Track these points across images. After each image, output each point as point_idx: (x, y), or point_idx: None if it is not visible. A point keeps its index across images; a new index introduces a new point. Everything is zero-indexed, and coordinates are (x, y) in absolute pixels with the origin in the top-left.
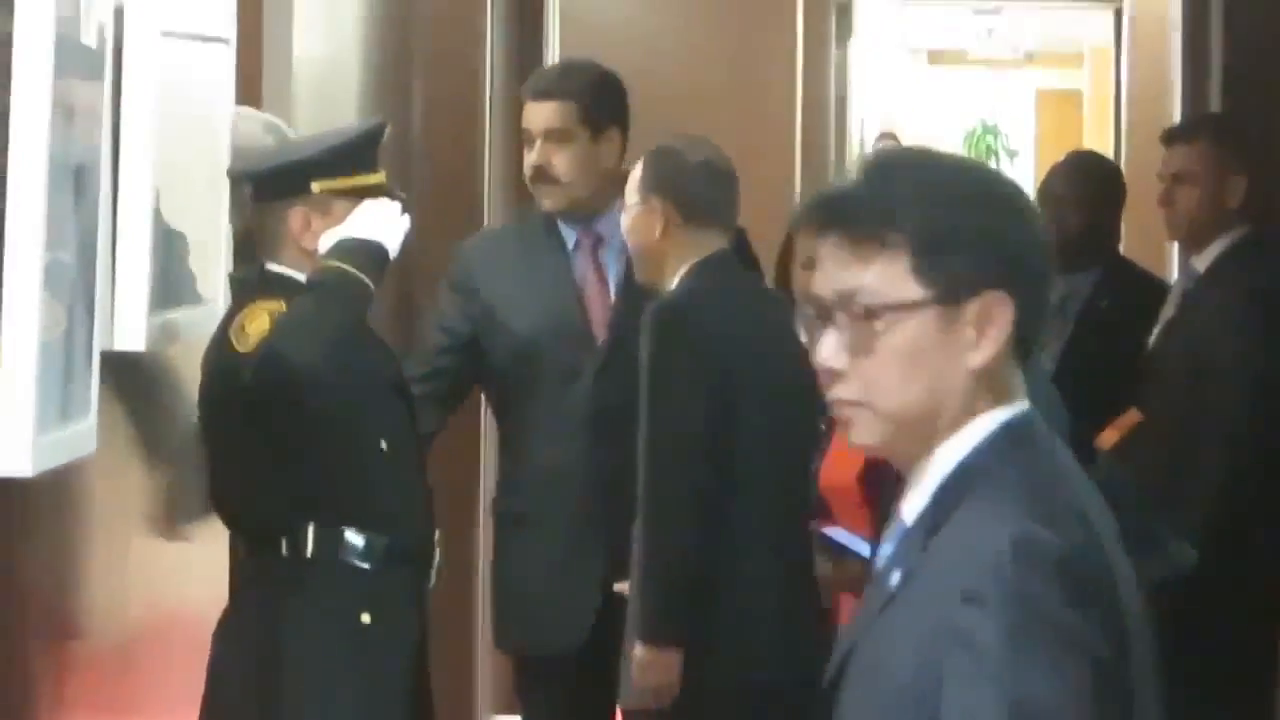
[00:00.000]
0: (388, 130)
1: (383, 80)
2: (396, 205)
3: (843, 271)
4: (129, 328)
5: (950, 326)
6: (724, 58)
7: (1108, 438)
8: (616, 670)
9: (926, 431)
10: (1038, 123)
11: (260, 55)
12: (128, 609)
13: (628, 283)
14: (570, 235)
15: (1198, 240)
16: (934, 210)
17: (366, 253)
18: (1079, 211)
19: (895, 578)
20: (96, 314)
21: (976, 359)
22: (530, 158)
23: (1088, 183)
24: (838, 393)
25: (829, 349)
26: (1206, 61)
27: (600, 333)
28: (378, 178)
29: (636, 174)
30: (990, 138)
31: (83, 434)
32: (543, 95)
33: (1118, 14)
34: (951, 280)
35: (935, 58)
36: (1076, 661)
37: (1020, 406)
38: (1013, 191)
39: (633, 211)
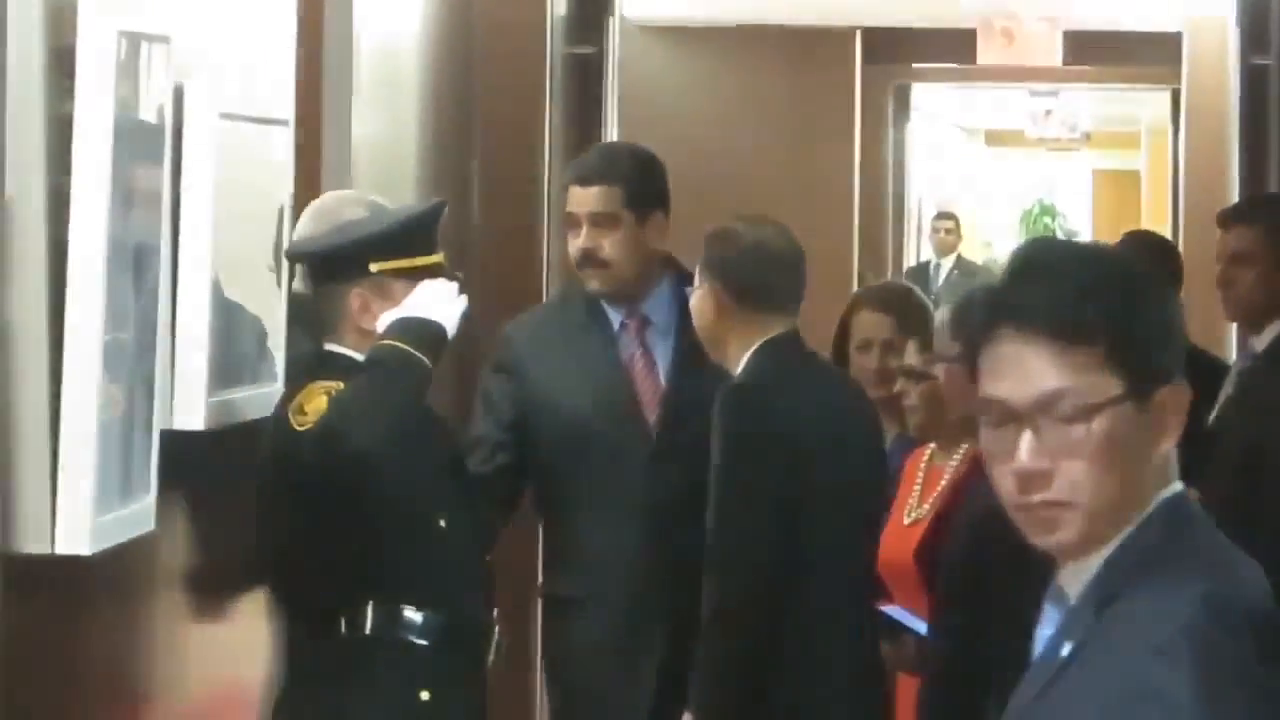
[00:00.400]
0: (446, 211)
1: (442, 160)
2: (454, 285)
3: (1042, 374)
4: (188, 407)
5: (1142, 418)
6: (782, 136)
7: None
8: None
9: (1119, 520)
10: (1095, 203)
11: (320, 136)
12: (185, 687)
13: (678, 363)
14: (615, 317)
15: (1255, 321)
16: (1124, 305)
17: (424, 332)
18: None
19: (1065, 649)
20: (156, 393)
21: (1164, 445)
22: (577, 242)
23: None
24: (1043, 495)
25: (1032, 454)
26: (1264, 142)
27: (650, 414)
28: (436, 258)
29: (702, 255)
30: (1048, 218)
31: (142, 513)
32: (588, 180)
33: (1175, 95)
34: (1144, 373)
35: (993, 138)
36: (1268, 714)
37: (1176, 484)
38: (1162, 279)
39: (695, 294)
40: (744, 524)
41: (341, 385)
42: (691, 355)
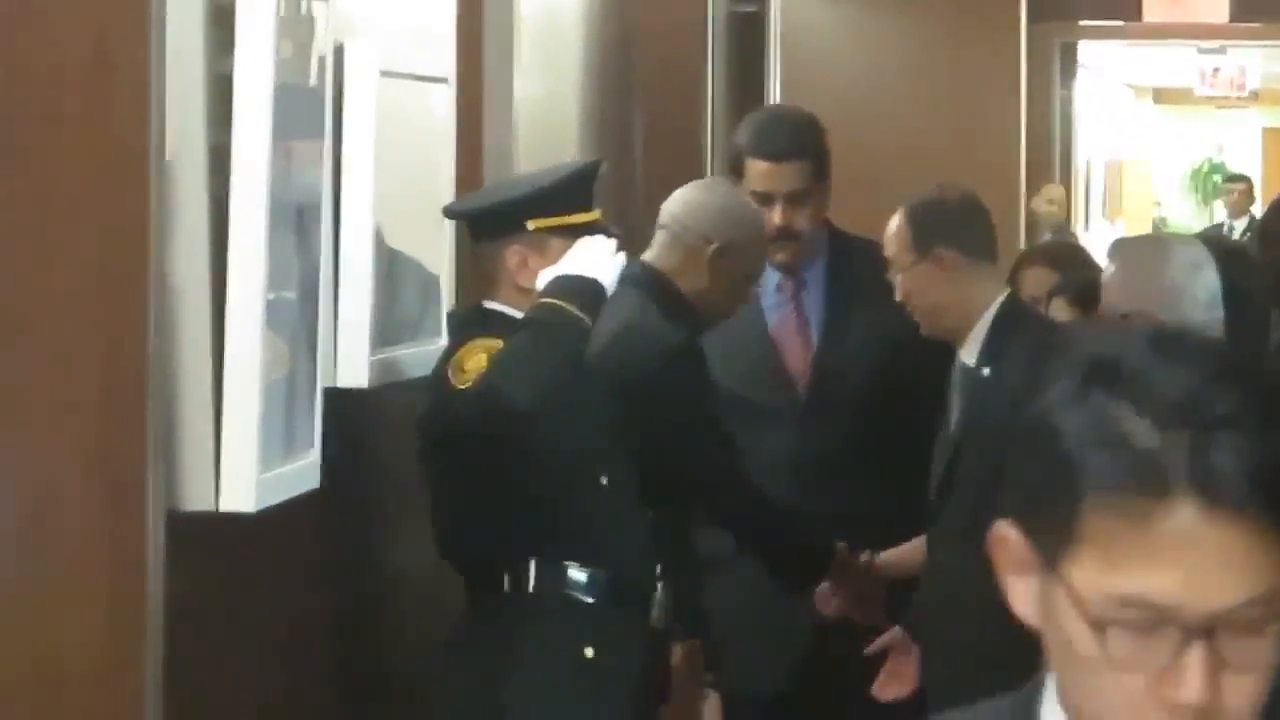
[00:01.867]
0: (603, 168)
1: (603, 118)
2: (612, 242)
3: (1248, 570)
4: (352, 365)
5: None
6: (947, 96)
7: None
8: (828, 714)
9: None
10: (1265, 161)
11: (481, 94)
12: (348, 644)
13: (830, 327)
14: (772, 277)
15: None
16: None
17: (582, 289)
18: None
19: None
20: (320, 352)
21: None
22: (774, 218)
23: None
24: None
25: (1209, 682)
26: None
27: (801, 376)
28: (593, 215)
29: (901, 233)
30: (1217, 176)
31: (306, 470)
32: (783, 157)
33: None
34: None
35: (1160, 96)
36: None
37: None
38: None
39: (914, 270)
40: None
41: (501, 343)
42: (843, 314)
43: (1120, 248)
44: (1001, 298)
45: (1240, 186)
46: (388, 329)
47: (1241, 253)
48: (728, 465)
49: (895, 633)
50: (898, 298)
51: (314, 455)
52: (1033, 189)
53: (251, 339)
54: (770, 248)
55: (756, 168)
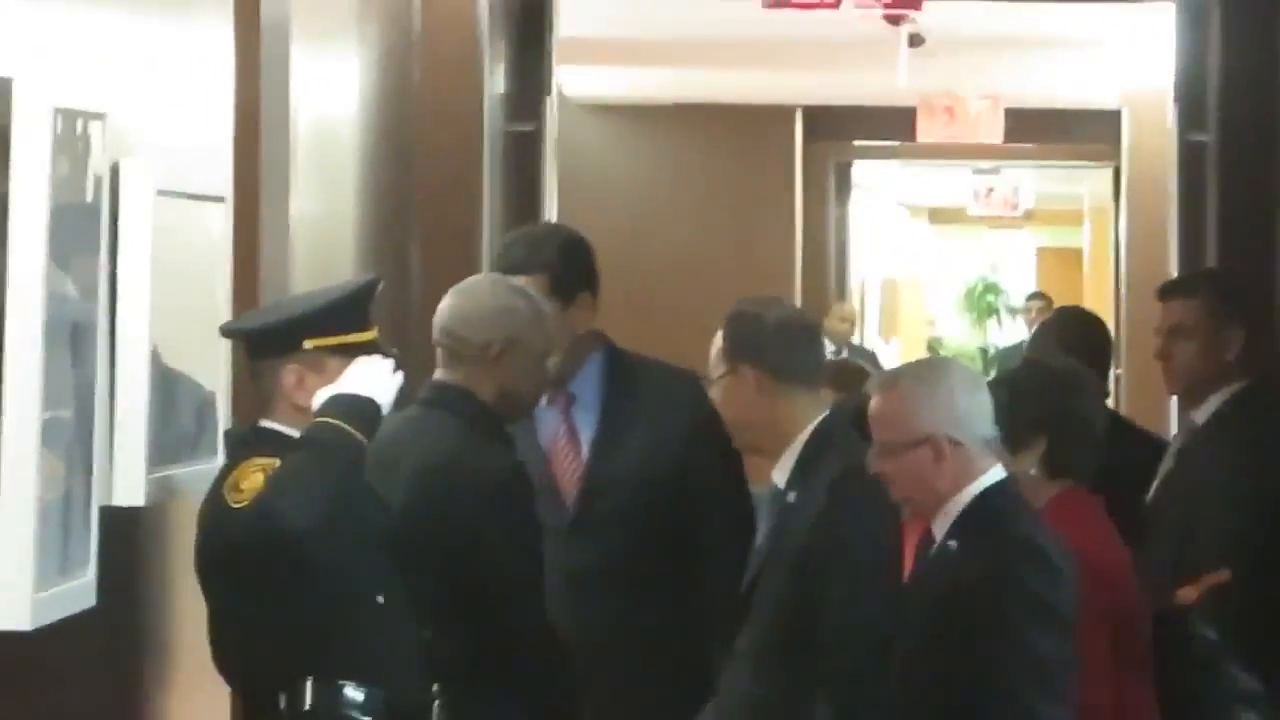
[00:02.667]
0: (380, 287)
1: (381, 237)
2: (389, 362)
3: None
4: (128, 483)
5: None
6: (724, 214)
7: (1187, 594)
8: None
9: None
10: (1038, 279)
11: (257, 212)
12: None
13: (602, 445)
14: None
15: (1195, 394)
16: None
17: (359, 409)
18: None
19: None
20: (95, 469)
21: None
22: None
23: (1077, 338)
24: None
25: None
26: (1202, 218)
27: (569, 491)
28: (370, 335)
29: (717, 342)
30: (991, 295)
31: (83, 589)
32: (513, 270)
33: (1116, 173)
34: None
35: (936, 215)
36: None
37: None
38: None
39: (722, 383)
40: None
41: (277, 462)
42: (616, 429)
43: (896, 376)
44: (816, 421)
45: (1039, 304)
46: (164, 447)
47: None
48: (531, 588)
49: None
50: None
51: (90, 573)
52: (808, 306)
53: (26, 457)
54: None
55: None
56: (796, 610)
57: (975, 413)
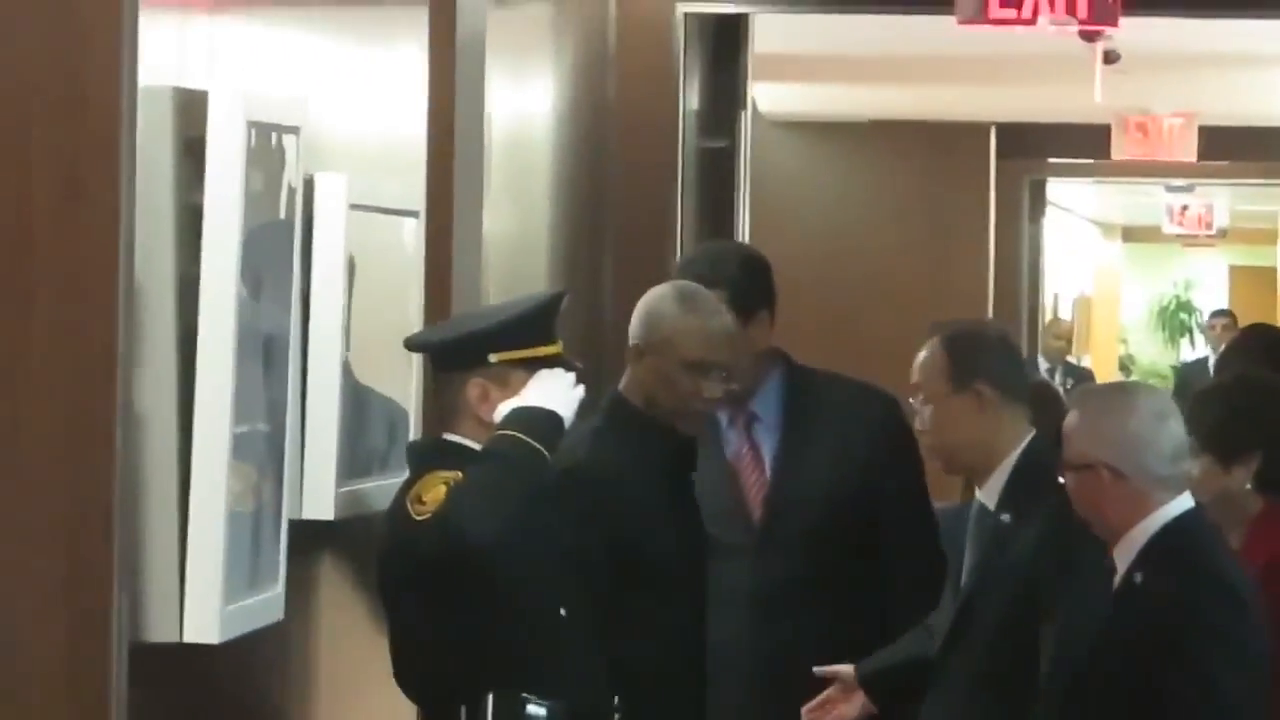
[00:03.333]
0: (565, 300)
1: (574, 253)
2: (571, 375)
3: None
4: (318, 497)
5: None
6: (916, 231)
7: None
8: None
9: None
10: (1231, 298)
11: (451, 226)
12: None
13: (784, 460)
14: (721, 414)
15: None
16: None
17: (541, 422)
18: None
19: None
20: (285, 483)
21: None
22: None
23: (1261, 354)
24: None
25: None
26: None
27: (755, 509)
28: (554, 348)
29: (937, 363)
30: (1184, 314)
31: (271, 602)
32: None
33: None
34: None
35: (1128, 234)
36: None
37: None
38: None
39: (947, 402)
40: None
41: (460, 475)
42: (798, 447)
43: (1084, 396)
44: (1027, 440)
45: (1223, 320)
46: (355, 461)
47: None
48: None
49: (847, 671)
50: (919, 427)
51: (279, 588)
52: (1000, 319)
53: (217, 470)
54: None
55: None
56: (1020, 637)
57: (1150, 445)
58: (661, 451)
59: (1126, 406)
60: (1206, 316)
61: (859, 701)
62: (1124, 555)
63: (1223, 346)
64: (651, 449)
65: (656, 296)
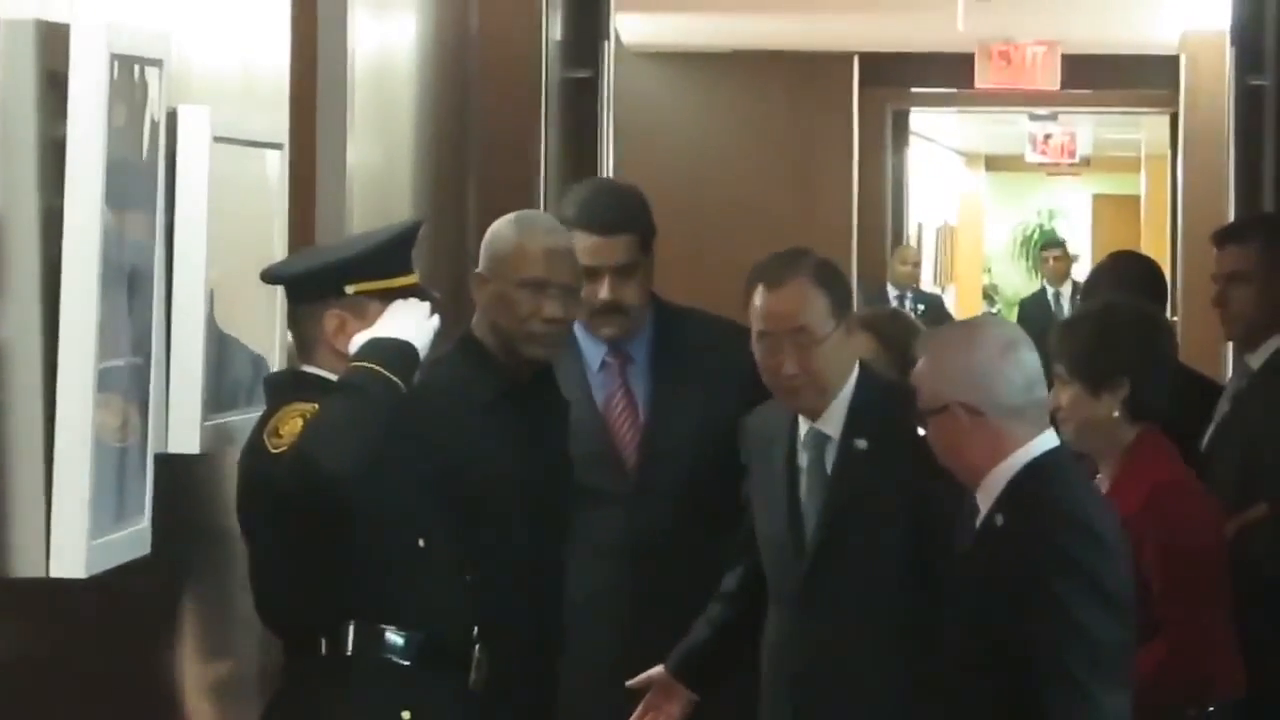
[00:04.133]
0: (420, 230)
1: (438, 184)
2: (426, 305)
3: None
4: (184, 431)
5: None
6: (780, 161)
7: (1231, 527)
8: None
9: None
10: (1094, 226)
11: (315, 160)
12: (180, 710)
13: (658, 405)
14: (595, 355)
15: (1252, 339)
16: None
17: (394, 352)
18: None
19: None
20: (151, 417)
21: None
22: (601, 292)
23: (1130, 282)
24: None
25: None
26: (1260, 163)
27: (629, 454)
28: (410, 279)
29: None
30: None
31: (137, 536)
32: (610, 230)
33: (1173, 119)
34: None
35: (992, 163)
36: None
37: None
38: None
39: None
40: None
41: (317, 407)
42: (670, 391)
43: (929, 339)
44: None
45: (1055, 253)
46: (220, 395)
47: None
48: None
49: (658, 672)
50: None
51: (145, 521)
52: (864, 252)
53: (83, 403)
54: (596, 321)
55: (584, 242)
56: (894, 558)
57: (1000, 377)
58: (493, 381)
59: (972, 341)
60: (1077, 246)
61: (680, 696)
62: (986, 497)
63: (1059, 280)
64: (484, 378)
65: (496, 223)
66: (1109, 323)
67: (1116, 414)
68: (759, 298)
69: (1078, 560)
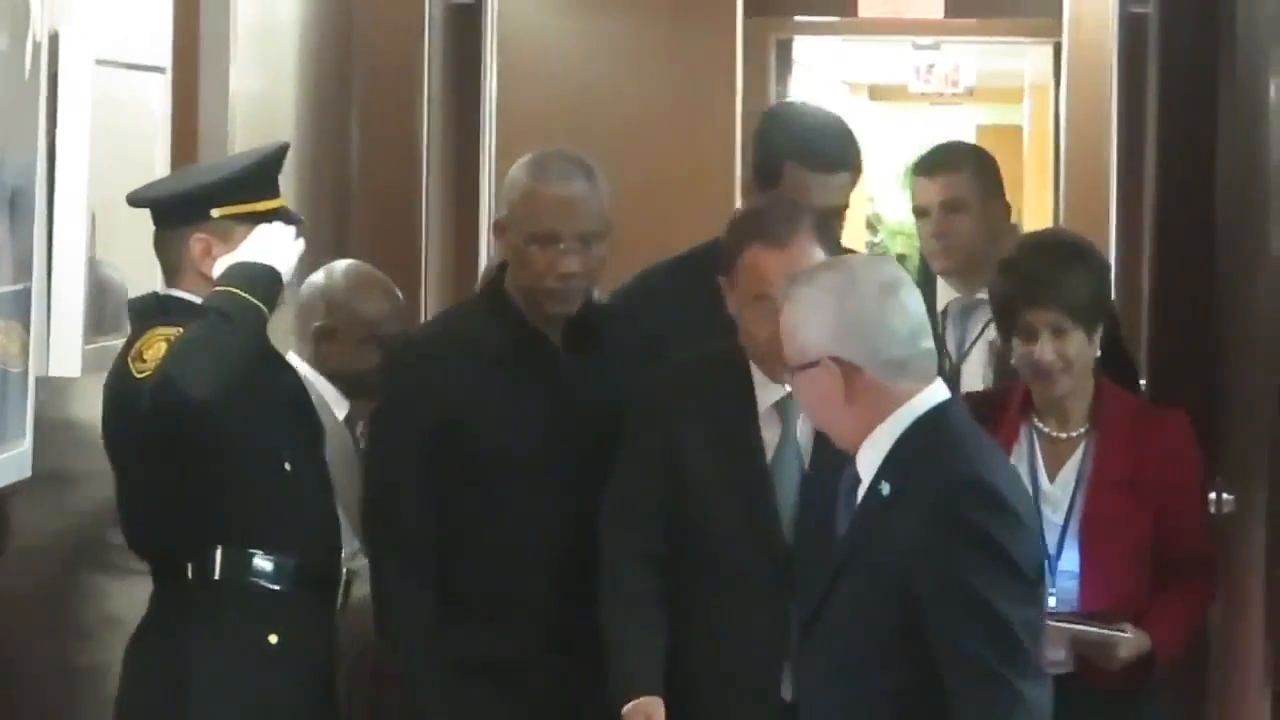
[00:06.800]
0: (287, 153)
1: (320, 111)
2: (291, 229)
3: None
4: (65, 354)
5: None
6: (664, 89)
7: None
8: None
9: None
10: None
11: (197, 85)
12: (58, 633)
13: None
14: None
15: (971, 270)
16: None
17: (258, 276)
18: None
19: None
20: (32, 340)
21: None
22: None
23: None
24: None
25: None
26: (1143, 93)
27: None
28: (277, 202)
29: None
30: None
31: (17, 459)
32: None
33: (1057, 49)
34: None
35: (876, 93)
36: None
37: None
38: None
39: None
40: None
41: (181, 331)
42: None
43: (794, 284)
44: None
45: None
46: (101, 318)
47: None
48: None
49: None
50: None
51: (26, 444)
52: (749, 183)
53: None
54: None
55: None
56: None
57: (879, 325)
58: (503, 334)
59: (844, 285)
60: None
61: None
62: (868, 463)
63: None
64: (494, 330)
65: (516, 164)
66: (1093, 263)
67: (1098, 354)
68: (760, 258)
69: (987, 533)
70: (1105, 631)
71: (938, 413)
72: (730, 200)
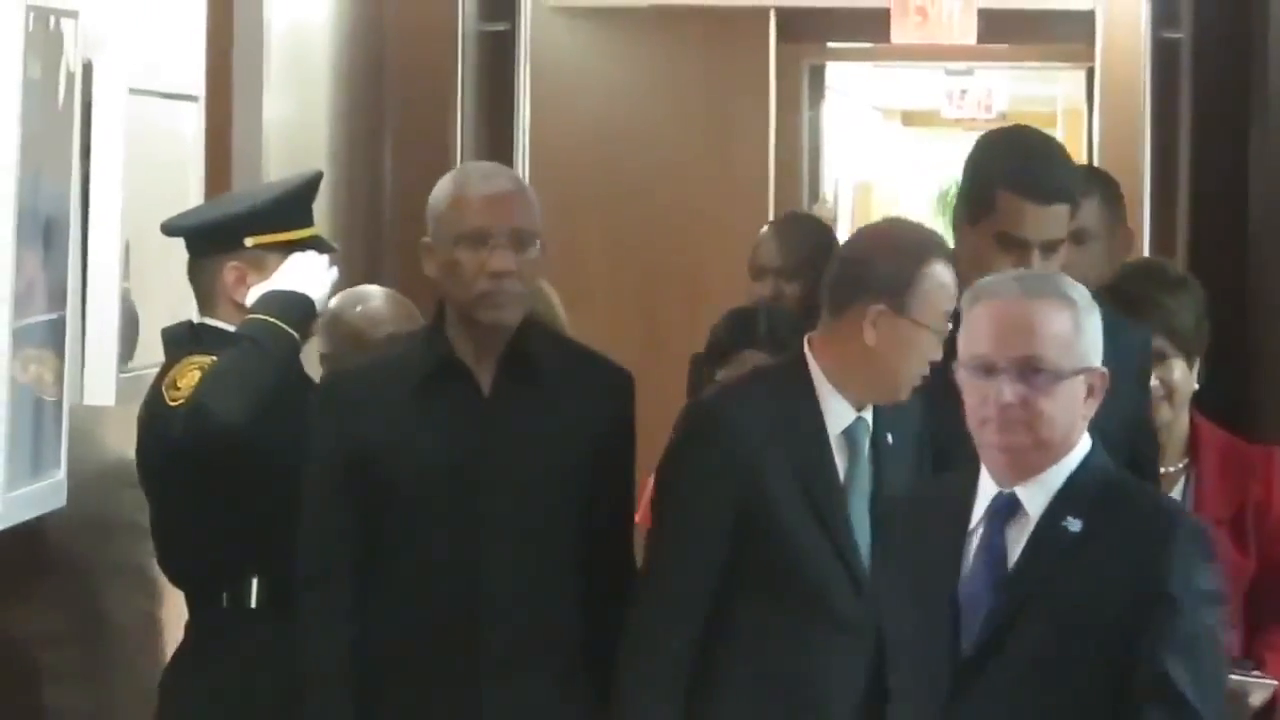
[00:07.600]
0: (320, 182)
1: (354, 138)
2: (324, 258)
3: None
4: (99, 383)
5: None
6: (696, 117)
7: None
8: None
9: None
10: None
11: (230, 112)
12: (95, 663)
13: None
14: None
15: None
16: None
17: (291, 304)
18: None
19: None
20: (66, 369)
21: None
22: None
23: None
24: None
25: None
26: (1175, 118)
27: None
28: (310, 231)
29: None
30: None
31: (53, 488)
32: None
33: (1089, 74)
34: None
35: (908, 118)
36: None
37: None
38: None
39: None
40: None
41: (215, 359)
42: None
43: (1067, 288)
44: None
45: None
46: (136, 346)
47: None
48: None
49: None
50: None
51: (60, 474)
52: (781, 209)
53: None
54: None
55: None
56: None
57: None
58: (426, 361)
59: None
60: None
61: None
62: (1037, 499)
63: None
64: (420, 358)
65: (436, 186)
66: (1197, 292)
67: (1196, 387)
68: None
69: (1204, 576)
70: (1245, 679)
71: (1096, 449)
72: (764, 223)
